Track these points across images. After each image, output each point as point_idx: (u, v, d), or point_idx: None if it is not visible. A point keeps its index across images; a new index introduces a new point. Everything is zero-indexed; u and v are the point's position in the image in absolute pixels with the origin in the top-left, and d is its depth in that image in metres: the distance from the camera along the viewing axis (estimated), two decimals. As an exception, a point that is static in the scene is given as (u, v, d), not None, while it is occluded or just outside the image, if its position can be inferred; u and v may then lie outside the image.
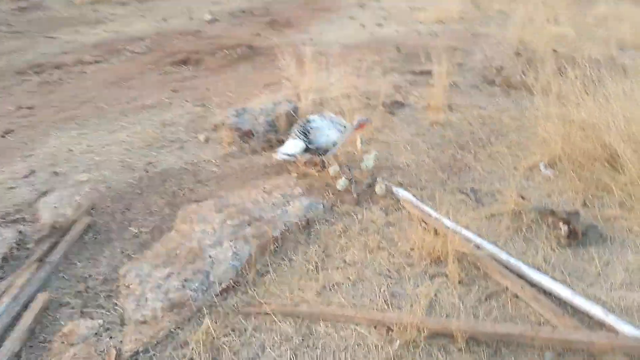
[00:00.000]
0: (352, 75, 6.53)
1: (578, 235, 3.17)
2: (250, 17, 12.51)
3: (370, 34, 10.27)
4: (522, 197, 3.70)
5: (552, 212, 3.30)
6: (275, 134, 5.12)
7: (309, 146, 3.73)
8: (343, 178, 3.90)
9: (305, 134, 3.75)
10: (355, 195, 3.82)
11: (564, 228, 3.21)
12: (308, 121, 3.84)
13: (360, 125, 3.85)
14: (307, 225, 3.50)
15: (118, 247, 3.49)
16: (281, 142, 4.81)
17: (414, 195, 3.80)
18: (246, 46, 9.12)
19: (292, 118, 5.24)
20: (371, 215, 3.61)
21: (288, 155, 3.74)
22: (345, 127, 3.86)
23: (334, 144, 3.81)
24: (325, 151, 3.82)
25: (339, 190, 3.94)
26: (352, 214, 3.66)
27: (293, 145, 3.78)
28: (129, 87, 7.47)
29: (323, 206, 3.68)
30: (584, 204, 3.64)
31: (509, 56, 8.06)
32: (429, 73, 7.11)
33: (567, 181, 3.95)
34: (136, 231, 3.65)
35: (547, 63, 6.78)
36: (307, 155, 3.92)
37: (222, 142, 5.13)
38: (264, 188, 3.98)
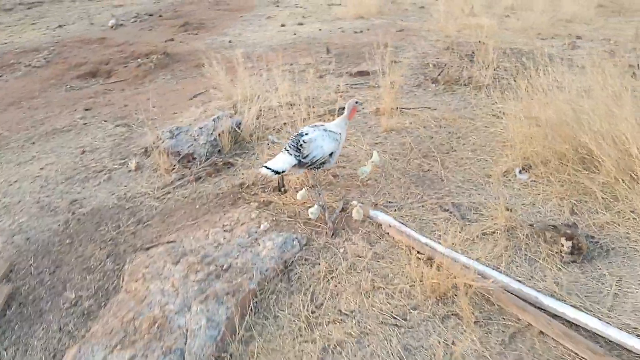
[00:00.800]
0: (287, 81, 6.03)
1: (583, 250, 2.93)
2: (159, 21, 11.58)
3: (293, 33, 9.81)
4: (509, 210, 3.43)
5: (554, 227, 3.04)
6: (219, 155, 4.53)
7: (303, 161, 3.38)
8: (315, 206, 3.43)
9: (297, 148, 3.39)
10: (330, 224, 3.36)
11: (566, 244, 2.95)
12: (300, 134, 3.47)
13: (353, 110, 3.77)
14: (286, 268, 3.00)
15: (54, 321, 2.80)
16: (228, 165, 4.26)
17: (394, 218, 3.40)
18: (162, 53, 8.32)
19: (237, 135, 4.67)
20: (355, 248, 3.17)
21: (275, 172, 3.28)
22: (341, 134, 3.62)
23: (331, 155, 3.54)
24: (322, 164, 3.53)
25: (309, 219, 3.46)
26: (333, 247, 3.21)
27: (282, 161, 3.35)
28: (32, 107, 6.48)
29: (298, 242, 3.19)
30: (572, 212, 3.44)
31: (441, 51, 7.94)
32: (367, 74, 6.81)
33: (545, 186, 3.74)
34: (74, 296, 2.96)
35: (482, 57, 6.70)
36: (300, 171, 3.61)
37: (159, 169, 4.46)
38: (224, 225, 3.42)
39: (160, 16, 11.84)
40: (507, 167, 4.01)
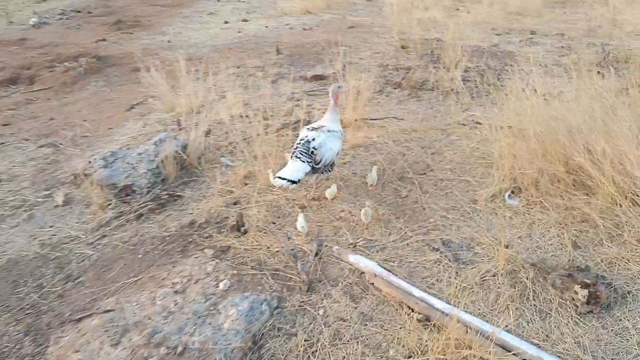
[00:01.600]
0: (236, 87, 5.41)
1: (602, 300, 2.52)
2: (88, 18, 10.55)
3: (237, 31, 9.12)
4: (507, 247, 3.00)
5: (568, 275, 2.62)
6: (164, 185, 3.87)
7: (316, 167, 3.30)
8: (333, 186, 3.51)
9: (309, 155, 3.29)
10: (304, 277, 2.81)
11: (582, 292, 2.54)
12: (307, 141, 3.35)
13: (337, 96, 3.65)
14: (255, 345, 2.42)
15: None
16: (175, 198, 3.63)
17: (378, 263, 2.90)
18: (92, 56, 7.43)
19: (183, 160, 4.02)
20: (336, 308, 2.65)
21: (291, 182, 3.13)
22: (341, 131, 3.63)
23: (337, 154, 3.51)
24: (332, 166, 3.50)
25: (277, 270, 2.90)
26: (310, 308, 2.66)
27: (296, 170, 3.21)
28: None
29: (268, 305, 2.62)
30: (575, 245, 3.05)
31: (398, 50, 7.51)
32: (323, 78, 6.26)
33: (540, 213, 3.35)
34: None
35: (445, 57, 6.31)
36: (313, 178, 3.54)
37: (91, 203, 3.76)
38: (173, 284, 2.80)
39: (89, 13, 10.80)
40: (494, 190, 3.59)
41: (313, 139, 3.34)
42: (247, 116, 4.49)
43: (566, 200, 3.37)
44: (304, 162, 3.23)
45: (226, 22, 9.80)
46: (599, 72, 5.38)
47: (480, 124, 4.66)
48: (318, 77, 6.37)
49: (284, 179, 3.10)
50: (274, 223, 3.40)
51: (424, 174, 3.97)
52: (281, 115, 5.08)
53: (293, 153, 3.32)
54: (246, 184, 3.86)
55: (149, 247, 3.26)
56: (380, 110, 5.30)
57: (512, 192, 3.57)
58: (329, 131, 3.44)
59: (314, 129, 3.44)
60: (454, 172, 3.97)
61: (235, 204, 3.66)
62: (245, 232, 3.27)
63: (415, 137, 4.61)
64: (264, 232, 3.28)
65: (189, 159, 4.11)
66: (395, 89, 5.85)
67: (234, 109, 4.98)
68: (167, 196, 3.73)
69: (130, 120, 5.43)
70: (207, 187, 3.90)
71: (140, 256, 3.19)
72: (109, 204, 3.71)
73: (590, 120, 3.47)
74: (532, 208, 3.42)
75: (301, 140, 3.37)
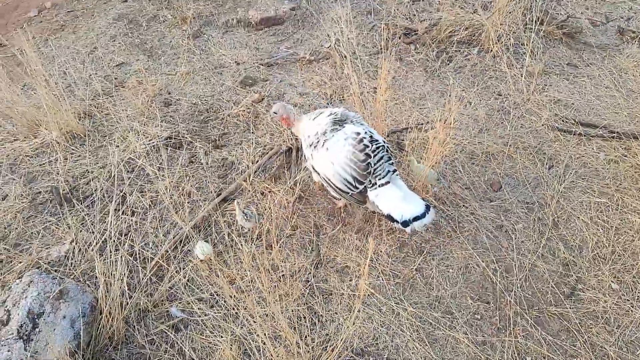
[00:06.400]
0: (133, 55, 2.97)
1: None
2: None
3: None
4: None
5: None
6: None
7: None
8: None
9: (392, 162, 2.14)
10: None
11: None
12: (374, 139, 2.11)
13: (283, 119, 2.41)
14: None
15: None
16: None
17: None
18: None
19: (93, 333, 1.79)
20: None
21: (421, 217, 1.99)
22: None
23: None
24: None
25: None
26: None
27: (409, 198, 2.06)
28: None
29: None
30: None
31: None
32: (277, 22, 3.83)
33: None
34: None
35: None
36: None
37: None
38: None
39: None
40: None
41: (372, 132, 2.17)
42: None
43: None
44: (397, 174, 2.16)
45: None
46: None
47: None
48: (271, 21, 3.88)
49: (418, 218, 1.98)
50: None
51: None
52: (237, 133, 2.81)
53: (376, 174, 2.07)
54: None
55: None
56: (400, 103, 3.16)
57: None
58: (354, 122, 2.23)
59: (341, 122, 2.17)
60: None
61: None
62: None
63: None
64: None
65: (103, 330, 1.91)
66: (410, 44, 3.60)
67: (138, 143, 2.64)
68: None
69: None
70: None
71: None
72: None
73: None
74: None
75: (363, 139, 2.08)
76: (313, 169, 2.26)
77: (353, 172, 2.03)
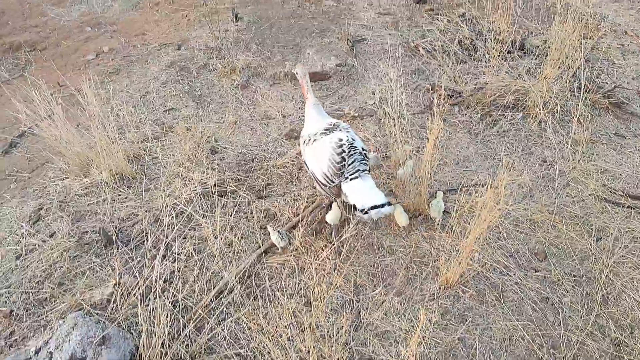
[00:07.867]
0: (178, 104, 3.05)
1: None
2: None
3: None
4: None
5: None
6: None
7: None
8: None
9: (365, 162, 2.46)
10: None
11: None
12: (354, 146, 2.45)
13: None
14: None
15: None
16: None
17: None
18: None
19: None
20: None
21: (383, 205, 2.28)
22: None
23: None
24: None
25: None
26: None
27: (371, 191, 2.36)
28: None
29: None
30: None
31: (412, 5, 5.11)
32: (323, 77, 3.92)
33: None
34: None
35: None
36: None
37: None
38: None
39: None
40: None
41: (353, 140, 2.50)
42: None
43: None
44: (366, 178, 2.42)
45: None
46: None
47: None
48: (318, 77, 3.98)
49: (378, 206, 2.26)
50: None
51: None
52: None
53: (348, 170, 2.39)
54: None
55: None
56: (443, 163, 3.16)
57: None
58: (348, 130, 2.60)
59: (331, 129, 2.54)
60: None
61: None
62: None
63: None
64: None
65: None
66: (454, 106, 3.64)
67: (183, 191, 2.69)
68: None
69: None
70: None
71: None
72: None
73: None
74: None
75: (342, 145, 2.43)
76: (305, 163, 2.62)
77: (331, 170, 2.38)
